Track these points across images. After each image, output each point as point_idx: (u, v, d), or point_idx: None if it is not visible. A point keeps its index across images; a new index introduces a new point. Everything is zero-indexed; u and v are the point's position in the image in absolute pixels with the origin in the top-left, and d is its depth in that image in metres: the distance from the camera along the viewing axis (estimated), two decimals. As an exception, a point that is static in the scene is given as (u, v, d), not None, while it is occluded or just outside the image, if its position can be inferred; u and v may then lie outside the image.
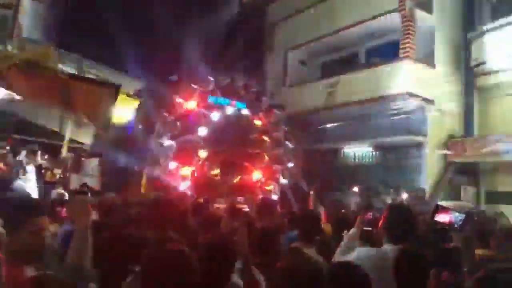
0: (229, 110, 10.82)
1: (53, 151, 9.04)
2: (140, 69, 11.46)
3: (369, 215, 3.58)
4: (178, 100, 10.30)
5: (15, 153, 8.83)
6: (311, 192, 7.11)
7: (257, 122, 11.02)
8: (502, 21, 11.11)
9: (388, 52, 12.28)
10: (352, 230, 3.12)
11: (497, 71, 11.36)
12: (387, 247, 2.41)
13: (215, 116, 10.60)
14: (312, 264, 2.18)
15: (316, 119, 13.33)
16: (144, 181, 10.06)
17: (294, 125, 13.17)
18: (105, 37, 10.96)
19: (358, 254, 2.48)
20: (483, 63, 11.41)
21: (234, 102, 10.84)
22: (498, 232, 4.12)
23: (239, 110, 10.91)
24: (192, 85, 10.34)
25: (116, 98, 5.90)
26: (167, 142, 10.07)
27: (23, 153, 8.81)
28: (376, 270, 2.17)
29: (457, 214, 2.96)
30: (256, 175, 10.73)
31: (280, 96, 14.52)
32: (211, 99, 10.54)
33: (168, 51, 13.07)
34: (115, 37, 11.24)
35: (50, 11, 9.45)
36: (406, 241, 2.40)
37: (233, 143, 10.61)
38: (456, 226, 2.95)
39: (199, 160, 10.22)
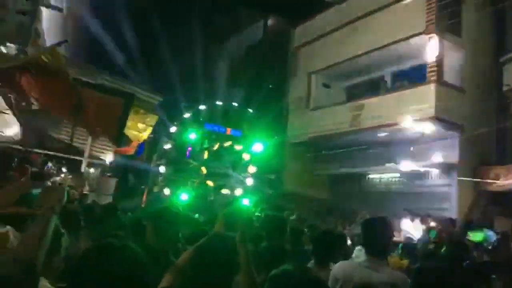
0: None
1: (71, 167, 8.82)
2: (158, 85, 11.73)
3: None
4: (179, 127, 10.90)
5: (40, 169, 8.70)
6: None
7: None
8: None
9: (416, 75, 11.93)
10: None
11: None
12: (360, 259, 2.69)
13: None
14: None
15: (340, 143, 12.97)
16: (144, 197, 10.32)
17: (317, 149, 12.88)
18: (126, 52, 11.21)
19: (335, 265, 2.79)
20: (517, 87, 10.89)
21: (229, 130, 11.25)
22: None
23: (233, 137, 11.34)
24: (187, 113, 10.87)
25: (129, 109, 5.77)
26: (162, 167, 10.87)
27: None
28: (344, 275, 2.60)
29: (491, 233, 2.63)
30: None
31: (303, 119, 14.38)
32: (207, 127, 11.03)
33: (187, 72, 13.24)
34: (133, 52, 11.48)
35: (68, 21, 9.64)
36: (383, 254, 2.63)
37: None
38: (488, 246, 2.60)
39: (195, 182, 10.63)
